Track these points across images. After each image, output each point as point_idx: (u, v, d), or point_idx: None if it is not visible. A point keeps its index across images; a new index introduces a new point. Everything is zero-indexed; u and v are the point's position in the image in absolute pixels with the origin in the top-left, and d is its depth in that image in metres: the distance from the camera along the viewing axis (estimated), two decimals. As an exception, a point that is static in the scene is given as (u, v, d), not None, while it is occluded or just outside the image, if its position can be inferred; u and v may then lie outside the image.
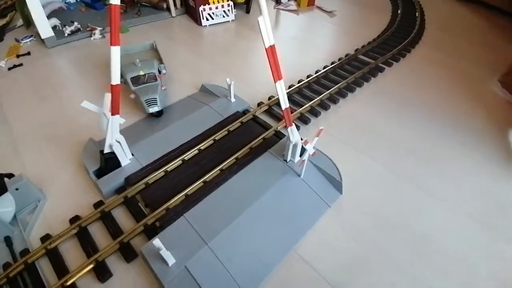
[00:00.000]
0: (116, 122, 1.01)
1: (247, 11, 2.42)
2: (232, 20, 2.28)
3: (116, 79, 0.91)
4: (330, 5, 2.54)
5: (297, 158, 1.10)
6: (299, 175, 1.07)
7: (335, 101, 1.49)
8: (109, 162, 1.08)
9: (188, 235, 0.90)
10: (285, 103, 0.94)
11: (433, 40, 2.10)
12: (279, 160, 1.12)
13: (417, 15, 2.37)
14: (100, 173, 1.09)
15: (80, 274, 0.84)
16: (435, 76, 1.72)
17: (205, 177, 1.08)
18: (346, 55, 1.85)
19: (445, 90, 1.61)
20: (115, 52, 0.86)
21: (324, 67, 1.71)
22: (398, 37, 2.04)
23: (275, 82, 0.88)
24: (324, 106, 1.45)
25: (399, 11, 2.42)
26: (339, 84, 1.55)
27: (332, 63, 1.76)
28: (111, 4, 0.78)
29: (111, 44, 0.84)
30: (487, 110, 1.50)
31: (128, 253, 0.90)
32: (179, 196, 1.01)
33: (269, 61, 0.84)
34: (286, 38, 2.10)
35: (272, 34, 0.79)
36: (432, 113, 1.46)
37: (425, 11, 2.50)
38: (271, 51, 0.82)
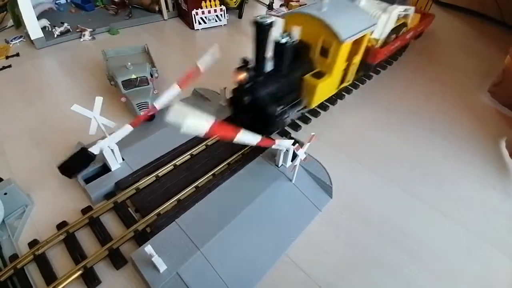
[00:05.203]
0: (126, 131, 1.02)
1: (240, 16, 2.44)
2: (224, 25, 2.30)
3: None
4: (321, 12, 2.58)
5: (289, 163, 1.12)
6: (290, 180, 1.09)
7: (325, 108, 1.51)
8: (79, 158, 1.02)
9: (180, 240, 0.89)
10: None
11: (420, 49, 2.16)
12: (270, 165, 1.14)
13: (404, 24, 2.43)
14: (67, 169, 1.02)
15: (68, 281, 0.82)
16: (421, 85, 1.77)
17: (197, 182, 1.08)
18: (336, 62, 1.88)
19: (433, 99, 1.66)
20: None
21: (315, 74, 1.74)
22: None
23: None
24: (314, 113, 1.47)
25: (387, 20, 2.49)
26: (329, 91, 1.58)
27: (323, 69, 1.79)
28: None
29: None
30: (477, 119, 1.53)
31: (117, 259, 0.89)
32: (170, 202, 1.01)
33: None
34: (277, 44, 2.12)
35: None
36: (418, 121, 1.50)
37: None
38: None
